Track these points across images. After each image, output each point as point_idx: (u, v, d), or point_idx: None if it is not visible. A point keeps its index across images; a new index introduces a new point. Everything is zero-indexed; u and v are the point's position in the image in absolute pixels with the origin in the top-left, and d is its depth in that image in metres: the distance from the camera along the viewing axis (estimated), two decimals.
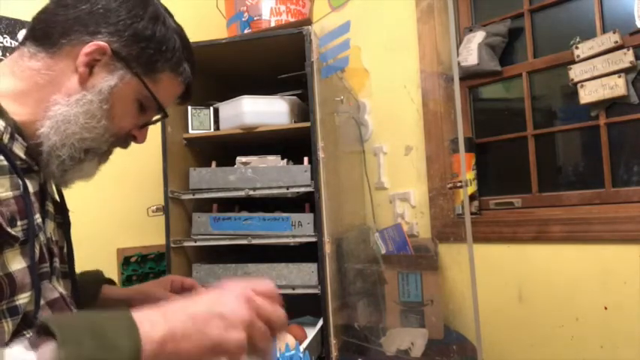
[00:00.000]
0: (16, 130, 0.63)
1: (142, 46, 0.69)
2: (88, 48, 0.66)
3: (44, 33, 0.67)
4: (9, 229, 0.56)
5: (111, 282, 0.94)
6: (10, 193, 0.59)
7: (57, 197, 0.76)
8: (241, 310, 0.55)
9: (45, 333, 0.48)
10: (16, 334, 0.57)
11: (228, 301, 0.55)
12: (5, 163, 0.59)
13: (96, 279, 0.90)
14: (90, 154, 0.70)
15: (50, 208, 0.72)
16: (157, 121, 0.79)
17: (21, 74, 0.66)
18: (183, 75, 0.76)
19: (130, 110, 0.72)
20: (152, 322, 0.50)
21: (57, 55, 0.67)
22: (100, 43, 0.66)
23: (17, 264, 0.59)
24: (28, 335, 0.51)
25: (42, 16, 0.69)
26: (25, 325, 0.59)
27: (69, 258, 0.76)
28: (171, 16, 0.76)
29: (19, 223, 0.60)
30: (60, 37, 0.67)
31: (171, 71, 0.74)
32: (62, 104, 0.65)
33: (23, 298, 0.59)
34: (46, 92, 0.66)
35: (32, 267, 0.61)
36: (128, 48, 0.69)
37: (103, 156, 0.73)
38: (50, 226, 0.71)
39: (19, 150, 0.63)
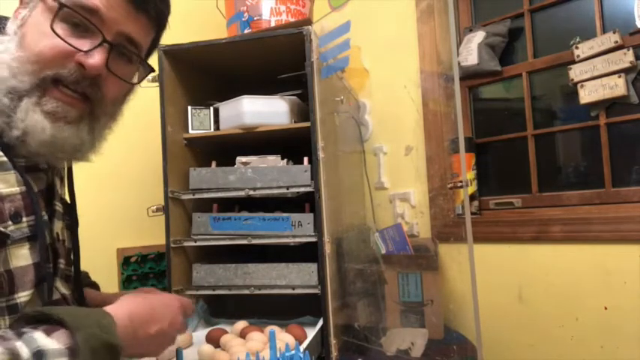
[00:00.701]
0: None
1: None
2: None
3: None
4: None
5: (95, 285, 0.93)
6: (15, 189, 0.58)
7: (68, 199, 0.76)
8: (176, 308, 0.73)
9: (46, 322, 0.52)
10: None
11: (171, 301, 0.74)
12: (5, 159, 0.58)
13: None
14: (16, 97, 0.59)
15: (59, 207, 0.72)
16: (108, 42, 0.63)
17: None
18: None
19: (44, 30, 0.60)
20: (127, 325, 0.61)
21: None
22: None
23: (22, 260, 0.59)
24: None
25: None
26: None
27: (75, 260, 0.76)
28: None
29: (24, 219, 0.59)
30: None
31: None
32: None
33: (24, 297, 0.59)
34: None
35: (39, 264, 0.60)
36: None
37: (42, 97, 0.60)
38: (58, 225, 0.70)
39: (23, 147, 0.62)
